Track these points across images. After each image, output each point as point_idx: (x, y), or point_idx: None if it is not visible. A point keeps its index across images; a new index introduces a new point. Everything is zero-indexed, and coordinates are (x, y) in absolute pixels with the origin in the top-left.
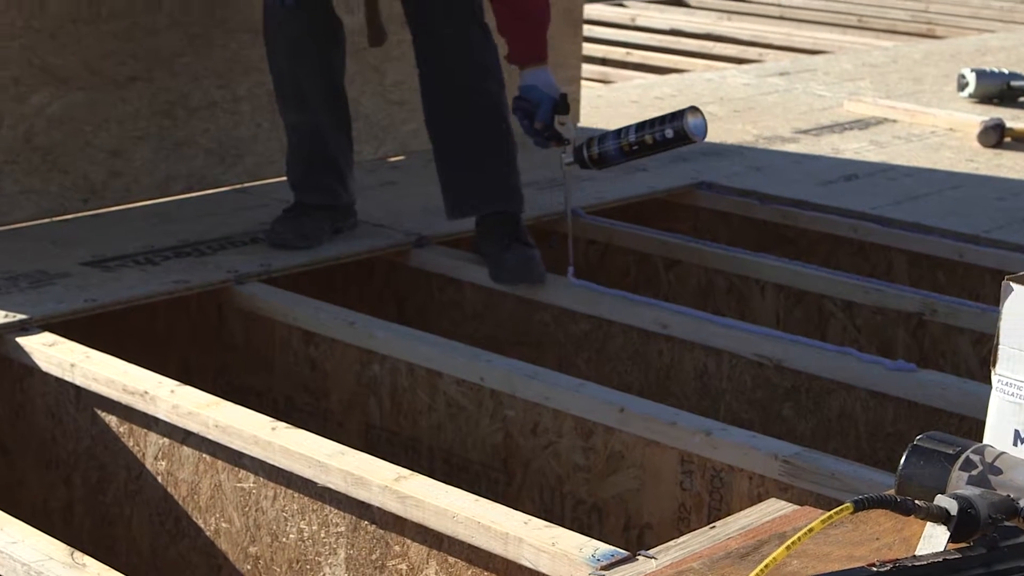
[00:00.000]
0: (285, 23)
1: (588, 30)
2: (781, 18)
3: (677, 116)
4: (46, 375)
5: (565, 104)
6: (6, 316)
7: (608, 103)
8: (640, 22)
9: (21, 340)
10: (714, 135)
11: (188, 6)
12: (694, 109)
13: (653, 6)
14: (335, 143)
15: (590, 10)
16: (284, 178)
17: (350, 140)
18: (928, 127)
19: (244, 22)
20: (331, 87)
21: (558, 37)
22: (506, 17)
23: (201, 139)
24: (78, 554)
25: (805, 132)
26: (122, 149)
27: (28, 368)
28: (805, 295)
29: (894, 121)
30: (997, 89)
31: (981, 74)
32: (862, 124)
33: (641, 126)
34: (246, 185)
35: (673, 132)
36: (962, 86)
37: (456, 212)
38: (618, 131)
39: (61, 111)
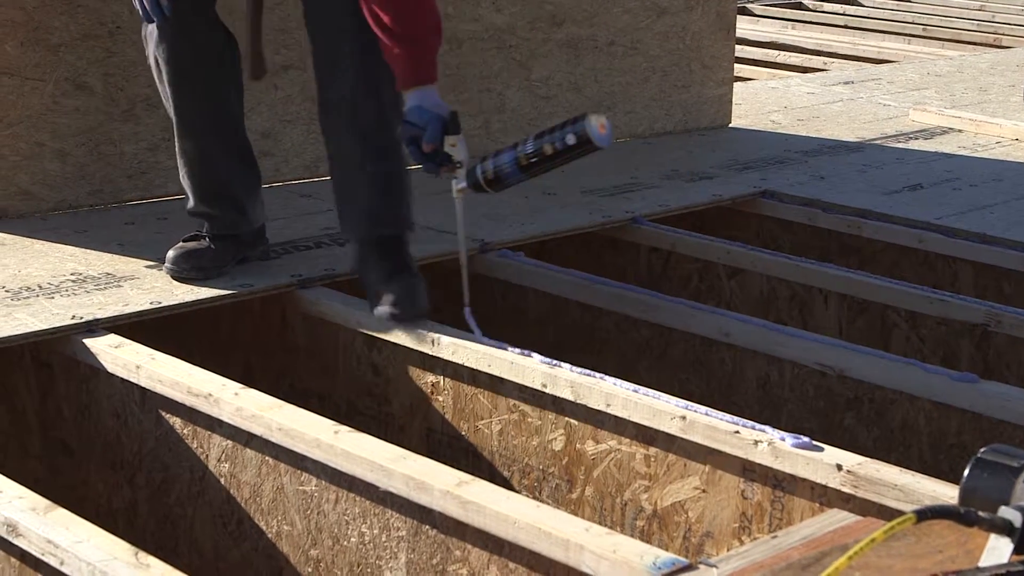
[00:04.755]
0: (158, 44)
1: None
2: (845, 27)
3: (578, 122)
4: (112, 376)
5: (456, 123)
6: (73, 318)
7: None
8: None
9: (88, 341)
10: (778, 144)
11: None
12: (593, 116)
13: None
14: (227, 170)
15: None
16: None
17: (249, 165)
18: (994, 137)
19: None
20: (219, 111)
21: (711, 40)
22: (388, 41)
23: None
24: (142, 554)
25: (870, 141)
26: (272, 131)
27: (94, 369)
28: (869, 305)
29: (959, 131)
30: None
31: None
32: (927, 134)
33: (538, 136)
34: (311, 180)
35: (575, 139)
36: None
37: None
38: (514, 145)
39: None
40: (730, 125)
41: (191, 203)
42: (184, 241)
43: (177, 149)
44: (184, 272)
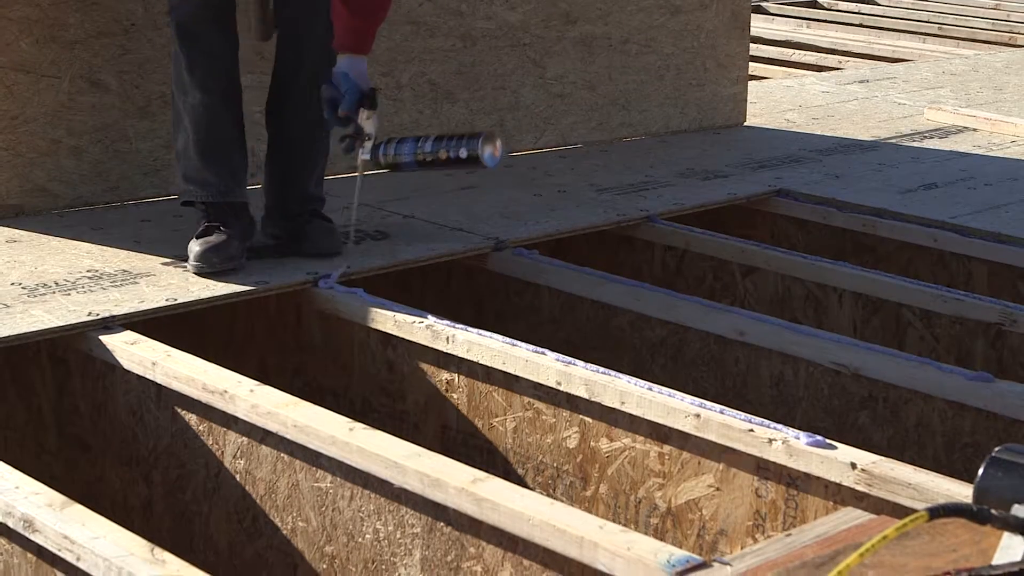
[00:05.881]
0: (178, 7)
1: None
2: (861, 26)
3: (474, 139)
4: (128, 373)
5: (373, 99)
6: (90, 315)
7: None
8: None
9: (104, 338)
10: (793, 142)
11: None
12: (490, 137)
13: None
14: (229, 133)
15: None
16: None
17: (243, 140)
18: (1009, 136)
19: (405, 15)
20: (228, 76)
21: (726, 38)
22: (342, 7)
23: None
24: (158, 550)
25: (885, 140)
26: None
27: (110, 366)
28: (883, 304)
29: (975, 130)
30: None
31: None
32: (942, 133)
33: (439, 139)
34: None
35: (467, 153)
36: None
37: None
38: (417, 139)
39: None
40: (744, 124)
41: (192, 166)
42: (198, 237)
43: (180, 111)
44: (217, 266)
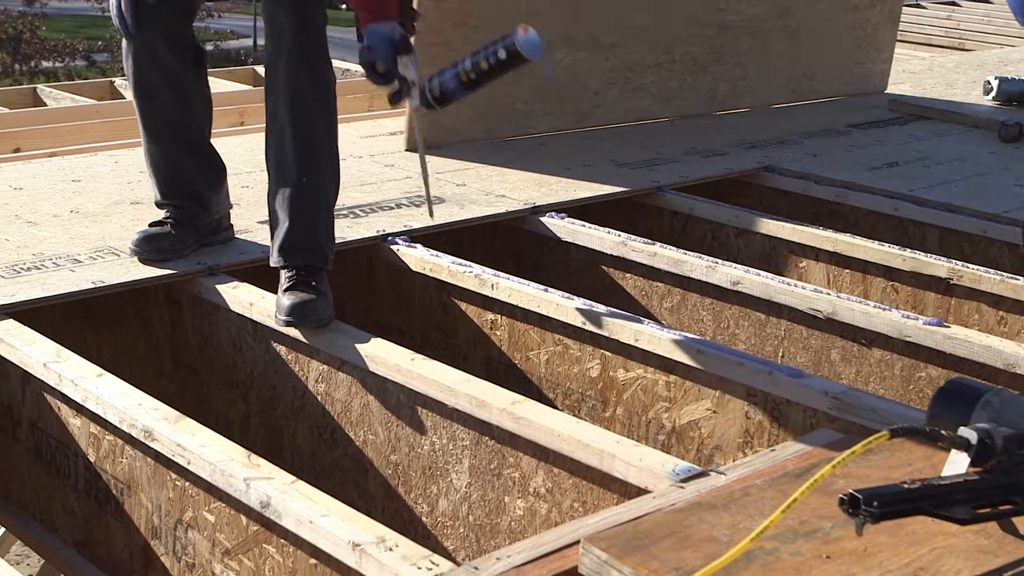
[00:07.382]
0: (127, 59)
1: None
2: None
3: (506, 37)
4: (230, 311)
5: (406, 44)
6: (199, 264)
7: None
8: None
9: (211, 283)
10: (779, 127)
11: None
12: (517, 29)
13: None
14: (191, 170)
15: None
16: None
17: (211, 163)
18: (957, 125)
19: (687, 14)
20: (182, 123)
21: (883, 29)
22: None
23: (650, 87)
24: (254, 456)
25: (855, 126)
26: (602, 90)
27: (216, 306)
28: (852, 261)
29: (929, 119)
30: (1017, 93)
31: (1003, 81)
32: (903, 120)
33: (475, 53)
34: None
35: (506, 52)
36: (987, 91)
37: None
38: (455, 63)
39: (571, 63)
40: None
41: (157, 196)
42: (150, 225)
43: (143, 150)
44: (145, 254)
